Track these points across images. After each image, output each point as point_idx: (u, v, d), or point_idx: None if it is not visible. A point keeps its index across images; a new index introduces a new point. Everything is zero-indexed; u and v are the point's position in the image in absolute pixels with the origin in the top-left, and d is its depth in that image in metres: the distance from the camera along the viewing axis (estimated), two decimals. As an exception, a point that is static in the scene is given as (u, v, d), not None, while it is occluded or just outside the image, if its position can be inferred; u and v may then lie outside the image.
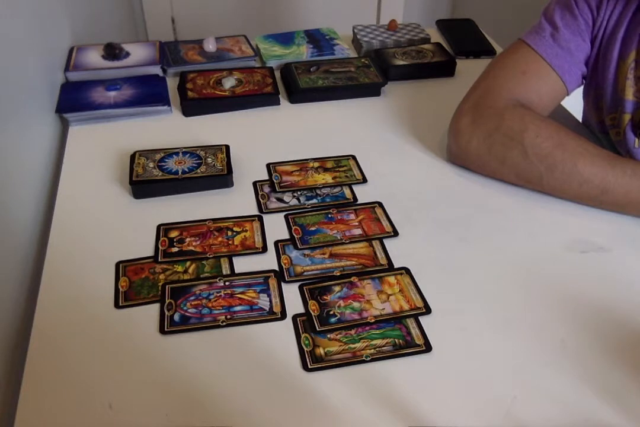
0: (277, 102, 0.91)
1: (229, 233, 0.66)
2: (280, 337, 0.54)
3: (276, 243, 0.65)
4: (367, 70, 0.95)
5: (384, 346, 0.53)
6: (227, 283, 0.60)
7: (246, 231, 0.66)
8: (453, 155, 0.76)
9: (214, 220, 0.68)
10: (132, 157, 0.75)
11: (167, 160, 0.74)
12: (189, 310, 0.56)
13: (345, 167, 0.76)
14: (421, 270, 0.61)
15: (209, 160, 0.74)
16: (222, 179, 0.72)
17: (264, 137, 0.84)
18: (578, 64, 0.74)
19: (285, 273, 0.61)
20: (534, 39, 0.74)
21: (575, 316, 0.56)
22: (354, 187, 0.73)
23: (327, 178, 0.74)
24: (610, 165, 0.64)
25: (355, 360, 0.52)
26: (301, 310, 0.57)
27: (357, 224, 0.67)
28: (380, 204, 0.70)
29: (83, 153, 0.79)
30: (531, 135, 0.67)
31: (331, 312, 0.56)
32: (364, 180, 0.74)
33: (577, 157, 0.65)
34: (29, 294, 0.64)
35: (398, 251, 0.63)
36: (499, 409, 0.48)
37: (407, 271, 0.61)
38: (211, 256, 0.63)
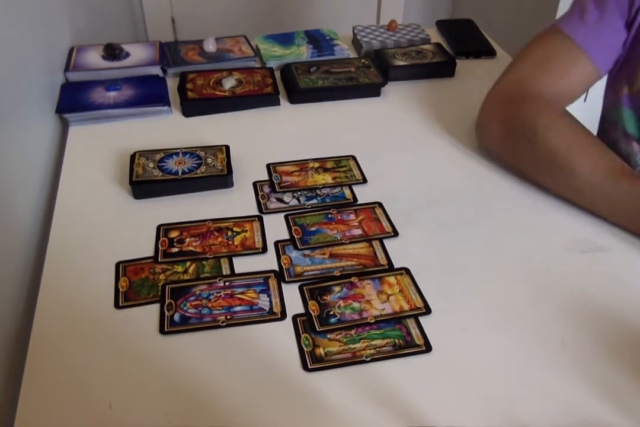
0: (277, 103, 0.91)
1: (229, 233, 0.66)
2: (280, 338, 0.54)
3: (276, 243, 0.65)
4: (367, 71, 0.95)
5: (384, 346, 0.53)
6: (227, 283, 0.59)
7: (246, 231, 0.66)
8: (479, 136, 0.80)
9: (214, 220, 0.68)
10: (132, 157, 0.75)
11: (167, 160, 0.74)
12: (189, 310, 0.56)
13: (345, 168, 0.76)
14: (421, 270, 0.61)
15: (209, 160, 0.74)
16: (222, 179, 0.72)
17: (264, 138, 0.84)
18: (611, 48, 0.73)
19: (285, 273, 0.61)
20: (568, 24, 0.74)
21: (575, 316, 0.56)
22: (354, 188, 0.73)
23: (327, 178, 0.74)
24: (612, 176, 0.63)
25: (355, 360, 0.52)
26: (301, 310, 0.57)
27: (357, 224, 0.67)
28: (380, 204, 0.70)
29: (83, 153, 0.79)
30: (542, 129, 0.67)
31: (331, 313, 0.56)
32: (364, 180, 0.74)
33: (578, 157, 0.65)
34: (29, 294, 0.64)
35: (398, 251, 0.63)
36: (499, 409, 0.48)
37: (407, 271, 0.61)
38: (211, 256, 0.63)
